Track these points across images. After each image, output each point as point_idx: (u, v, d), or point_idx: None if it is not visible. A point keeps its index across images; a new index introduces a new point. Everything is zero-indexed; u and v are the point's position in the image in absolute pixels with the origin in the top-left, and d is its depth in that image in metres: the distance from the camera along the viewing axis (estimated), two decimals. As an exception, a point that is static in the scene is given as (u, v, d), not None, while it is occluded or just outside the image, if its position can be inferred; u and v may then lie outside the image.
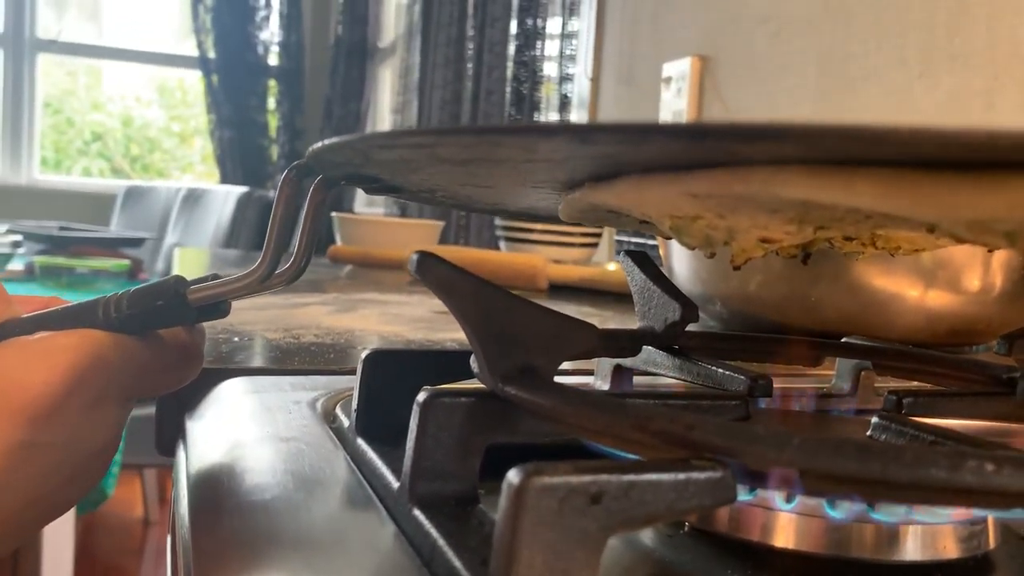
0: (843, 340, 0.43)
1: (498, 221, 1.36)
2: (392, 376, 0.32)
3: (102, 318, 0.31)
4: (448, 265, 0.25)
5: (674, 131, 0.22)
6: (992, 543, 0.27)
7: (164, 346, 0.33)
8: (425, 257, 0.25)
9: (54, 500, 0.31)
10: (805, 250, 0.28)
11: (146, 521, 2.32)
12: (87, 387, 0.29)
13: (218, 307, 0.33)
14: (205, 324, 0.36)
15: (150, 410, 0.42)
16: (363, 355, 0.32)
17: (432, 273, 0.25)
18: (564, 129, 0.22)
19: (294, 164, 0.31)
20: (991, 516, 0.26)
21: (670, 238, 0.30)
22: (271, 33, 3.41)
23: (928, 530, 0.25)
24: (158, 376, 0.33)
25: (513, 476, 0.18)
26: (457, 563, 0.21)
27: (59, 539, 1.65)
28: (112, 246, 2.24)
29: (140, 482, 2.33)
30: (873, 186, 0.21)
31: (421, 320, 0.68)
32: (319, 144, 0.26)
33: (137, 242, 2.37)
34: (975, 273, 0.62)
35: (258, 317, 0.63)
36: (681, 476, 0.19)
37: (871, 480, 0.19)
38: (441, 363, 0.33)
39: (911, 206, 0.21)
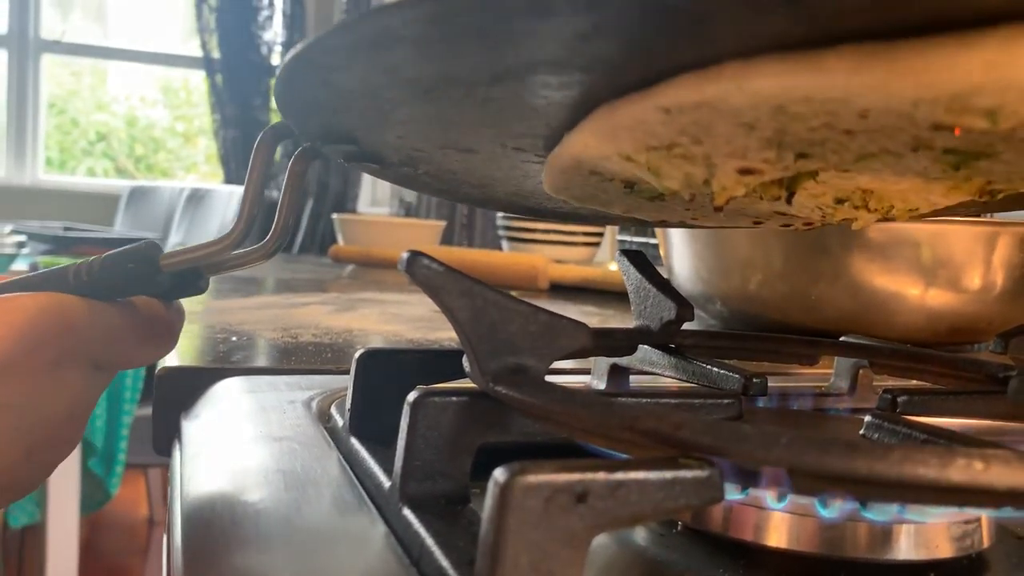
0: (841, 339, 0.43)
1: (500, 221, 1.36)
2: (386, 376, 0.32)
3: (72, 282, 0.31)
4: (438, 264, 0.25)
5: None
6: (986, 542, 0.26)
7: (136, 315, 0.32)
8: (415, 256, 0.25)
9: (13, 475, 0.29)
10: (789, 189, 0.26)
11: (150, 520, 2.33)
12: (46, 348, 0.28)
13: (195, 283, 0.32)
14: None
15: (151, 410, 0.42)
16: (356, 355, 0.32)
17: (422, 272, 0.25)
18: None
19: (269, 126, 0.31)
20: (984, 515, 0.26)
21: (656, 198, 0.29)
22: (275, 33, 3.42)
23: (921, 529, 0.25)
24: (129, 346, 0.32)
25: (499, 475, 0.18)
26: (445, 563, 0.21)
27: (64, 538, 1.66)
28: (116, 246, 2.23)
29: (144, 481, 2.33)
30: (845, 61, 0.20)
31: (420, 319, 0.68)
32: (280, 71, 0.25)
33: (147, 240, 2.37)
34: (976, 271, 0.62)
35: (257, 317, 0.63)
36: (668, 475, 0.19)
37: (859, 479, 0.19)
38: (435, 362, 0.33)
39: (885, 80, 0.20)
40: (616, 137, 0.24)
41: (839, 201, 0.26)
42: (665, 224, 0.36)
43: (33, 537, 1.79)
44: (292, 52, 0.23)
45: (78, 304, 0.29)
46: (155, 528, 2.30)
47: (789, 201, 0.26)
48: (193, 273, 0.32)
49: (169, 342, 0.33)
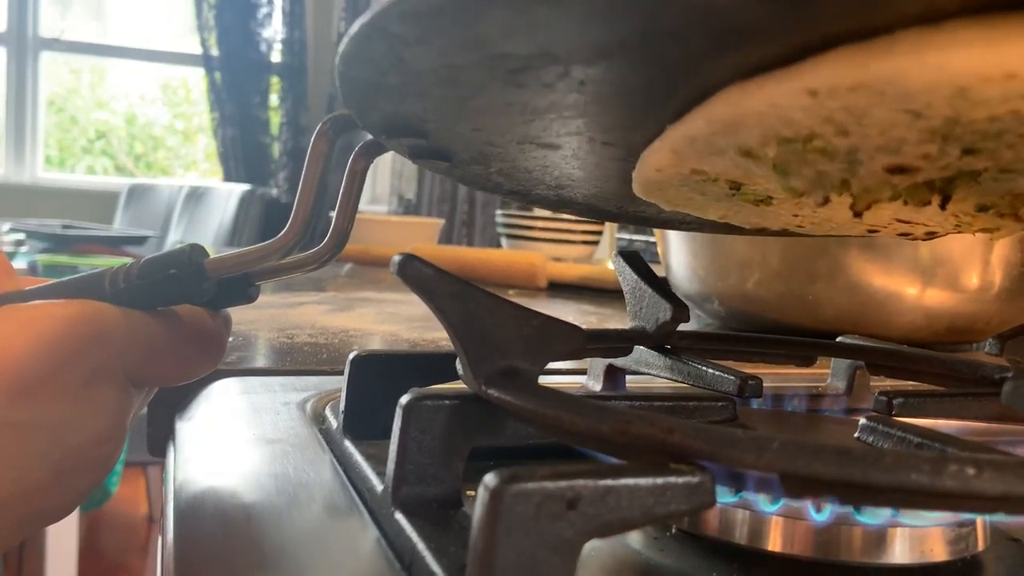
0: (837, 339, 0.43)
1: (500, 218, 1.36)
2: (379, 378, 0.32)
3: (108, 290, 0.28)
4: (430, 267, 0.25)
5: None
6: (981, 545, 0.26)
7: (179, 326, 0.29)
8: (407, 259, 0.25)
9: (40, 500, 0.26)
10: (944, 192, 0.21)
11: (150, 518, 2.33)
12: (80, 363, 0.25)
13: (244, 291, 0.29)
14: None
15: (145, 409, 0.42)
16: (350, 358, 0.32)
17: (414, 275, 0.25)
18: None
19: (329, 116, 0.28)
20: (979, 518, 0.26)
21: (762, 201, 0.25)
22: (274, 30, 3.41)
23: (916, 533, 0.25)
24: (170, 360, 0.29)
25: (489, 481, 0.18)
26: (436, 568, 0.21)
27: (63, 536, 1.66)
28: (115, 244, 2.24)
29: (144, 480, 2.33)
30: None
31: (417, 319, 0.68)
32: (344, 45, 0.22)
33: (140, 240, 2.38)
34: (974, 270, 0.62)
35: (254, 316, 0.63)
36: (659, 481, 0.19)
37: (851, 484, 0.19)
38: (429, 365, 0.33)
39: None
40: (740, 126, 0.21)
41: (981, 208, 0.22)
42: (765, 233, 0.32)
43: (33, 535, 1.79)
44: (360, 20, 0.20)
45: (113, 314, 0.27)
46: (155, 526, 2.30)
47: (943, 207, 0.22)
48: (241, 279, 0.29)
49: (215, 356, 0.31)
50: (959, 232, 0.26)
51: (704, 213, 0.28)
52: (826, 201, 0.23)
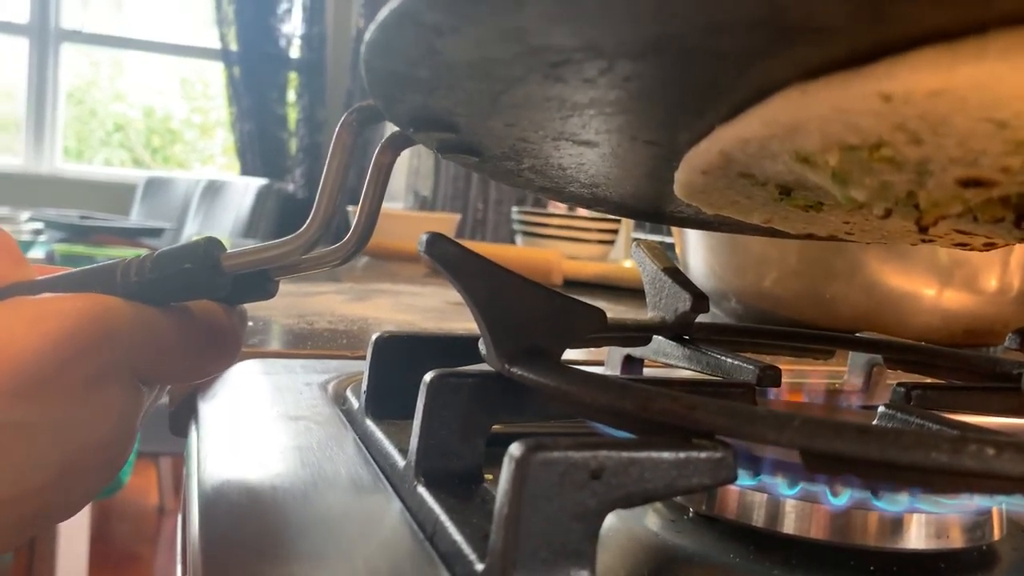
0: (855, 335, 0.43)
1: (515, 215, 1.36)
2: (402, 359, 0.32)
3: (119, 282, 0.27)
4: (456, 246, 0.25)
5: None
6: (997, 534, 0.27)
7: (192, 323, 0.27)
8: (435, 237, 0.25)
9: (44, 500, 0.25)
10: (1019, 209, 0.20)
11: (161, 509, 2.34)
12: (87, 362, 0.24)
13: (263, 286, 0.28)
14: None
15: (165, 398, 0.42)
16: (374, 338, 0.32)
17: (441, 253, 0.25)
18: None
19: (355, 107, 0.26)
20: (995, 507, 0.26)
21: (812, 207, 0.23)
22: (293, 26, 3.43)
23: (933, 519, 0.25)
24: (182, 359, 0.28)
25: (515, 450, 0.18)
26: (458, 537, 0.21)
27: (74, 527, 1.67)
28: (132, 236, 2.25)
29: (155, 470, 2.35)
30: None
31: (433, 310, 0.68)
32: (371, 32, 0.20)
33: (157, 232, 2.39)
34: (993, 273, 0.62)
35: (273, 303, 0.63)
36: (681, 455, 0.19)
37: (871, 462, 0.19)
38: (450, 347, 0.33)
39: None
40: (800, 130, 0.19)
41: None
42: (812, 238, 0.30)
43: (11, 545, 1.79)
44: (389, 6, 0.19)
45: (124, 309, 0.25)
46: (165, 517, 2.31)
47: (1018, 224, 0.20)
48: (259, 274, 0.28)
49: (231, 354, 0.29)
50: (1021, 243, 0.24)
51: (747, 217, 0.27)
52: (888, 214, 0.21)
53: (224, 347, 0.29)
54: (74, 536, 1.67)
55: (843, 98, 0.18)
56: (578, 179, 0.31)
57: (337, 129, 0.27)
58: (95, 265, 0.28)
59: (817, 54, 0.18)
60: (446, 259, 0.25)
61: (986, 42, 0.15)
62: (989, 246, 0.25)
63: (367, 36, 0.21)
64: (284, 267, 0.28)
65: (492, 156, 0.29)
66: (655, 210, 0.35)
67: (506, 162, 0.29)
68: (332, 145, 0.27)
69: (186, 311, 0.28)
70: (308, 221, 0.27)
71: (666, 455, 0.19)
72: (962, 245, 0.26)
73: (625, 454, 0.19)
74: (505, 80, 0.21)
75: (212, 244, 0.27)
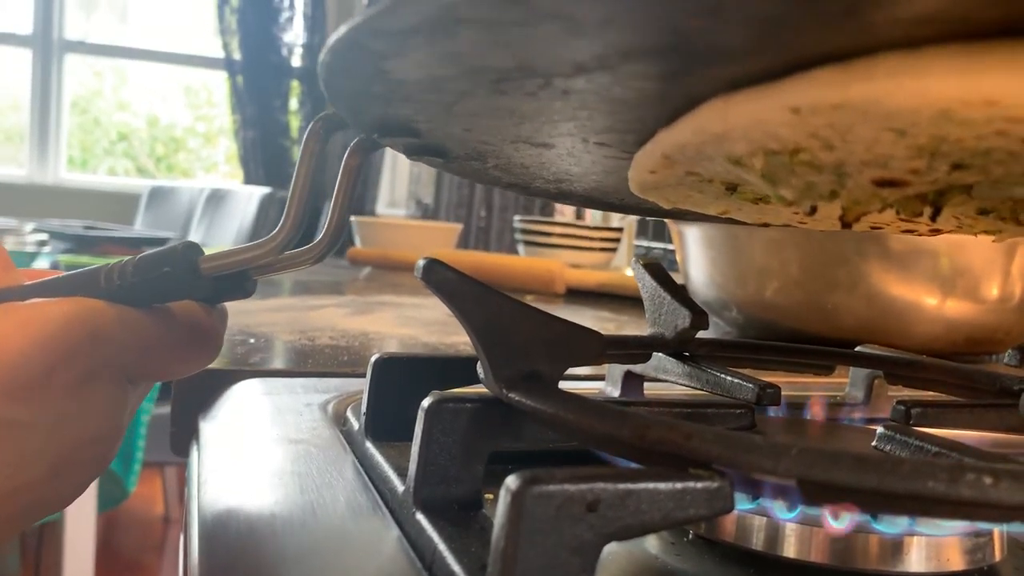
0: (856, 349, 0.43)
1: (517, 224, 1.36)
2: (401, 381, 0.32)
3: (103, 286, 0.28)
4: (454, 271, 0.25)
5: None
6: (998, 555, 0.26)
7: (174, 323, 0.29)
8: (432, 263, 0.25)
9: (35, 495, 0.27)
10: (936, 204, 0.21)
11: (166, 518, 2.35)
12: (75, 362, 0.26)
13: (241, 285, 0.29)
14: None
15: (168, 409, 0.42)
16: (372, 360, 0.32)
17: (438, 279, 0.25)
18: None
19: (321, 115, 0.28)
20: (996, 528, 0.26)
21: (760, 200, 0.25)
22: (295, 35, 3.44)
23: (933, 542, 0.25)
24: (166, 357, 0.29)
25: (511, 483, 0.18)
26: (456, 568, 0.21)
27: (81, 535, 1.67)
28: (136, 245, 2.26)
29: (160, 480, 2.35)
30: None
31: (436, 323, 0.68)
32: (323, 55, 0.22)
33: (161, 242, 2.40)
34: (994, 281, 0.62)
35: (275, 319, 0.63)
36: (678, 485, 0.19)
37: (869, 491, 0.19)
38: (450, 368, 0.33)
39: None
40: (727, 138, 0.21)
41: (982, 212, 0.22)
42: (768, 225, 0.31)
43: (51, 534, 1.80)
44: (337, 34, 0.20)
45: (108, 312, 0.27)
46: (171, 526, 2.31)
47: (934, 219, 0.22)
48: (238, 274, 0.30)
49: (212, 350, 0.31)
50: (961, 232, 0.25)
51: (704, 209, 0.29)
52: (814, 211, 0.23)
53: (205, 344, 0.30)
54: (80, 545, 1.67)
55: (759, 110, 0.19)
56: (542, 175, 0.32)
57: (304, 137, 0.28)
58: (80, 270, 0.29)
59: (733, 72, 0.19)
60: (443, 285, 0.25)
61: (875, 63, 0.17)
62: (935, 232, 0.26)
63: (321, 57, 0.22)
64: (261, 267, 0.29)
65: (457, 157, 0.30)
66: (620, 201, 0.36)
67: (471, 162, 0.31)
68: (300, 153, 0.28)
69: (168, 312, 0.29)
70: (280, 225, 0.28)
71: (663, 486, 0.19)
72: (910, 231, 0.27)
73: (621, 486, 0.19)
74: (454, 93, 0.22)
75: (190, 248, 0.28)
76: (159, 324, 0.28)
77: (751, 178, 0.22)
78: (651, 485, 0.19)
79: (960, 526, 0.25)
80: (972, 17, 0.16)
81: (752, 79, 0.19)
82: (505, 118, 0.24)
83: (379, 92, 0.24)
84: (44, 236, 2.17)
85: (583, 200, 0.36)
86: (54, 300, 0.26)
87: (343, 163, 0.28)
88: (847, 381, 0.43)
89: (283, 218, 0.28)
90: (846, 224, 0.22)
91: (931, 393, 0.37)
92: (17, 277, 0.29)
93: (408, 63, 0.21)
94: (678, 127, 0.22)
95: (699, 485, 0.19)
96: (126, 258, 0.28)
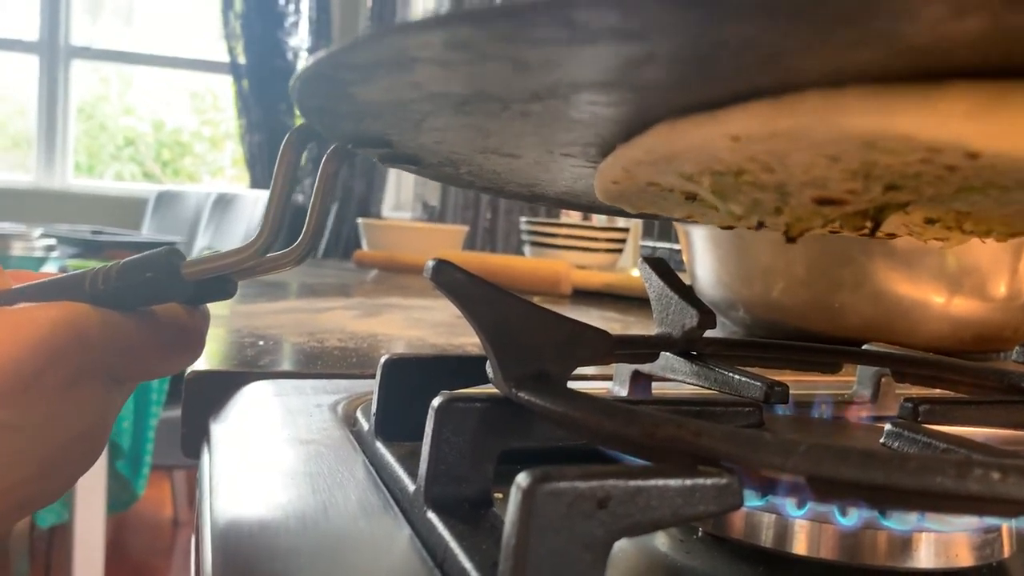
0: (863, 347, 0.43)
1: (523, 226, 1.36)
2: (411, 381, 0.33)
3: (88, 290, 0.29)
4: (463, 272, 0.25)
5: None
6: (1007, 551, 0.27)
7: (158, 325, 0.30)
8: (441, 264, 0.25)
9: (27, 491, 0.28)
10: (875, 220, 0.22)
11: (175, 521, 2.35)
12: (62, 365, 0.26)
13: (223, 287, 0.30)
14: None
15: (179, 412, 0.42)
16: (382, 361, 0.33)
17: (447, 280, 0.25)
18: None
19: (296, 127, 0.29)
20: (1005, 524, 0.26)
21: (713, 214, 0.26)
22: (300, 39, 3.44)
23: (942, 538, 0.25)
24: (149, 358, 0.30)
25: (522, 480, 0.19)
26: (468, 565, 0.21)
27: (90, 538, 1.68)
28: (145, 250, 2.26)
29: (170, 483, 2.36)
30: (961, 104, 0.17)
31: (443, 325, 0.68)
32: (293, 81, 0.23)
33: (168, 246, 2.40)
34: (1001, 279, 0.62)
35: (283, 321, 0.64)
36: (688, 482, 0.19)
37: (877, 487, 0.19)
38: (459, 368, 0.33)
39: (1013, 130, 0.16)
40: (675, 159, 0.22)
41: (930, 221, 0.23)
42: (731, 228, 0.33)
43: (61, 536, 1.81)
44: (305, 66, 0.22)
45: (93, 316, 0.28)
46: (180, 529, 2.32)
47: (873, 234, 0.23)
48: (220, 277, 0.30)
49: (195, 350, 0.32)
50: (912, 236, 0.26)
51: (670, 214, 0.29)
52: (760, 226, 0.24)
53: (187, 346, 0.31)
54: (90, 548, 1.68)
55: (702, 136, 0.20)
56: (513, 180, 0.33)
57: (282, 147, 0.29)
58: (66, 274, 0.30)
59: (673, 102, 0.21)
60: (452, 286, 0.25)
61: (803, 99, 0.18)
62: (890, 235, 0.27)
63: (292, 82, 0.24)
64: (243, 271, 0.30)
65: (430, 164, 0.31)
66: (591, 203, 0.37)
67: (445, 168, 0.32)
68: (277, 162, 0.29)
69: (151, 315, 0.30)
70: (259, 230, 0.29)
71: (672, 483, 0.19)
72: (866, 234, 0.27)
73: (631, 483, 0.19)
74: (420, 112, 0.24)
75: (172, 254, 0.29)
76: (142, 327, 0.29)
77: (703, 193, 0.23)
78: (661, 482, 0.19)
79: (969, 522, 0.25)
80: (889, 65, 0.17)
81: (696, 108, 0.21)
82: (472, 133, 0.26)
83: (348, 111, 0.25)
84: (52, 241, 2.18)
85: (556, 202, 0.38)
86: (42, 305, 0.27)
87: (320, 170, 0.29)
88: (855, 379, 0.43)
89: (261, 224, 0.29)
90: (790, 239, 0.23)
91: (939, 390, 0.37)
92: (5, 281, 0.30)
93: (373, 89, 0.22)
94: (633, 145, 0.23)
95: (708, 482, 0.20)
96: (111, 263, 0.29)
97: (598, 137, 0.25)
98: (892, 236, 0.27)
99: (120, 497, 1.78)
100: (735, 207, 0.23)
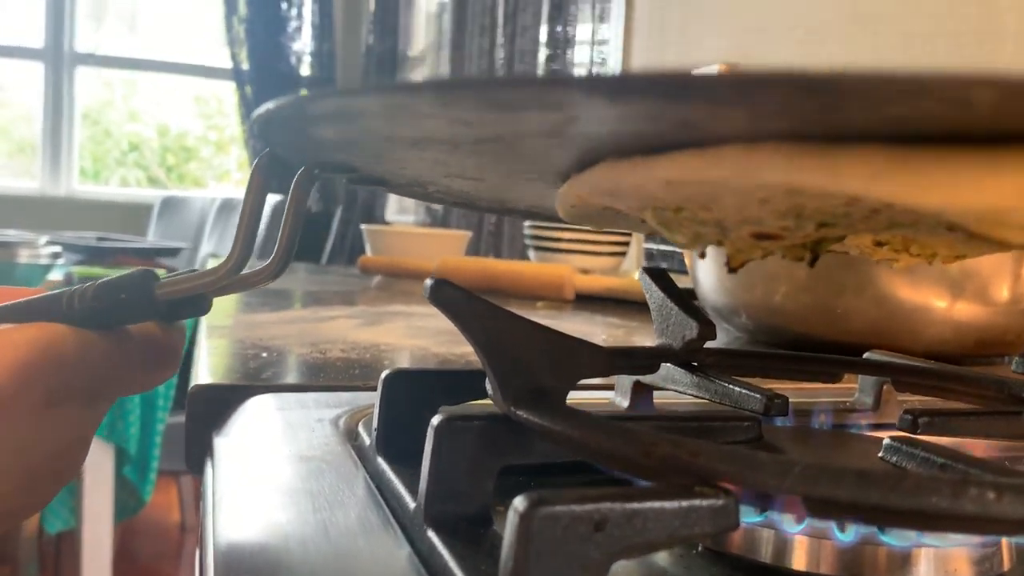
0: (864, 356, 0.43)
1: (527, 230, 1.36)
2: (411, 396, 0.33)
3: (65, 311, 0.30)
4: (460, 291, 0.26)
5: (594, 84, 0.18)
6: (1007, 565, 0.27)
7: (133, 343, 0.31)
8: (438, 284, 0.26)
9: (7, 505, 0.29)
10: (813, 252, 0.24)
11: (182, 526, 2.36)
12: (40, 386, 0.27)
13: (197, 304, 0.31)
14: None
15: (183, 418, 0.43)
16: (383, 376, 0.33)
17: (445, 299, 0.25)
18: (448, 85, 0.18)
19: (263, 153, 0.30)
20: (1004, 538, 0.26)
21: (659, 236, 0.27)
22: (303, 44, 3.45)
23: (941, 553, 0.25)
24: (126, 375, 0.31)
25: (518, 504, 0.19)
26: (467, 586, 0.21)
27: (98, 544, 1.69)
28: (149, 256, 2.28)
29: (176, 488, 2.36)
30: (862, 166, 0.18)
31: (446, 333, 0.68)
32: (254, 118, 0.24)
33: (174, 252, 2.41)
34: (1004, 283, 0.62)
35: (286, 331, 0.64)
36: (684, 503, 0.20)
37: (872, 507, 0.19)
38: (460, 382, 0.33)
39: (907, 190, 0.18)
40: (619, 194, 0.23)
41: (879, 244, 0.24)
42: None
43: (68, 543, 1.82)
44: (261, 109, 0.23)
45: (69, 336, 0.28)
46: (187, 534, 2.33)
47: (812, 264, 0.24)
48: (194, 295, 0.31)
49: (170, 366, 0.33)
50: (863, 256, 0.27)
51: (636, 230, 0.31)
52: (703, 256, 0.25)
53: (162, 362, 0.32)
54: (98, 553, 1.68)
55: (639, 178, 0.22)
56: (483, 198, 0.34)
57: (250, 174, 0.30)
58: (43, 295, 0.31)
59: (612, 148, 0.22)
60: (449, 304, 0.25)
61: (723, 153, 0.20)
62: (845, 252, 0.28)
63: (252, 116, 0.24)
64: (216, 290, 0.31)
65: (399, 185, 0.33)
66: (554, 214, 0.37)
67: (414, 188, 0.33)
68: (246, 188, 0.30)
69: (126, 333, 0.31)
70: (230, 251, 0.30)
71: (668, 505, 0.19)
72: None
73: (628, 505, 0.19)
74: (376, 149, 0.25)
75: (146, 276, 0.30)
76: (118, 345, 0.30)
77: (651, 222, 0.25)
78: (657, 504, 0.19)
79: (968, 537, 0.25)
80: (797, 131, 0.19)
81: (634, 151, 0.22)
82: (431, 164, 0.27)
83: (310, 146, 0.26)
84: (57, 248, 2.19)
85: (527, 215, 0.39)
86: (19, 327, 0.28)
87: (290, 191, 0.30)
88: (856, 386, 0.43)
89: (232, 245, 0.30)
90: (732, 269, 0.24)
91: (939, 400, 0.37)
92: None
93: (329, 131, 0.23)
94: (582, 179, 0.24)
95: (704, 503, 0.20)
96: (87, 283, 0.30)
97: (553, 167, 0.26)
98: (845, 253, 0.28)
99: (127, 503, 1.79)
100: (679, 237, 0.24)
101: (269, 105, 0.22)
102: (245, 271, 0.30)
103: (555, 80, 0.18)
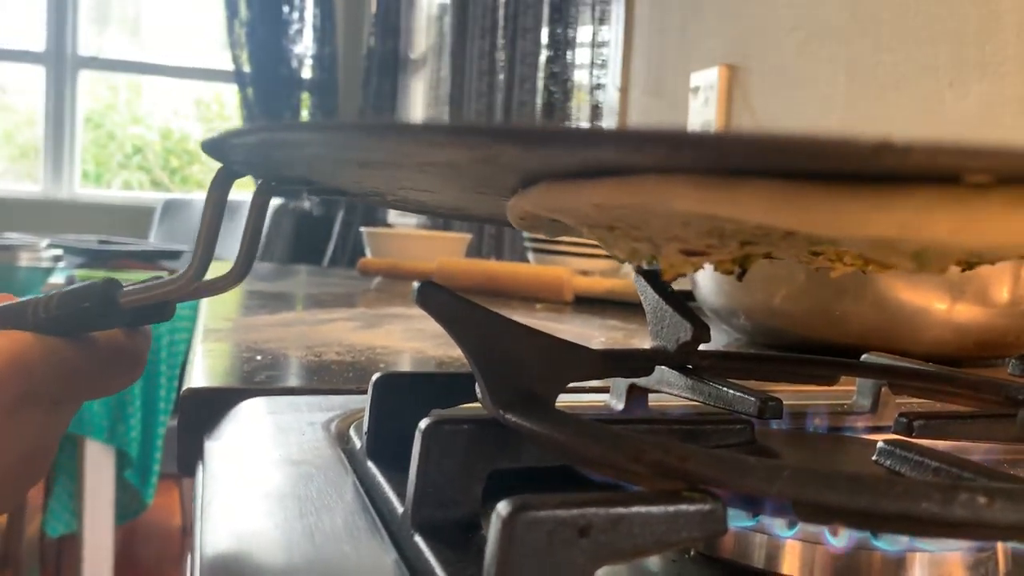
0: (862, 358, 0.43)
1: (526, 232, 1.36)
2: (402, 399, 0.32)
3: (31, 319, 0.30)
4: (448, 294, 0.25)
5: (517, 135, 0.19)
6: (1002, 570, 0.26)
7: (97, 349, 0.31)
8: (426, 287, 0.25)
9: None
10: (741, 266, 0.25)
11: (184, 529, 2.35)
12: (5, 392, 0.28)
13: (160, 310, 0.32)
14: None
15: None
16: (373, 379, 0.33)
17: (433, 303, 0.25)
18: (396, 128, 0.20)
19: (222, 167, 0.30)
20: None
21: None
22: (304, 46, 3.45)
23: (935, 558, 0.25)
24: (91, 380, 0.32)
25: (502, 509, 0.18)
26: (452, 593, 0.21)
27: (99, 547, 1.68)
28: (151, 259, 2.28)
29: (178, 491, 2.36)
30: (759, 199, 0.20)
31: (442, 335, 0.68)
32: (203, 142, 0.25)
33: (175, 255, 2.41)
34: (1004, 285, 0.61)
35: (283, 334, 0.64)
36: (671, 509, 0.19)
37: (862, 512, 0.19)
38: (451, 386, 0.33)
39: (800, 222, 0.20)
40: (558, 211, 0.24)
41: (814, 254, 0.25)
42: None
43: (70, 546, 1.82)
44: (208, 138, 0.24)
45: (33, 344, 0.29)
46: (189, 537, 2.32)
47: (740, 279, 0.26)
48: (158, 302, 0.32)
49: (134, 371, 0.33)
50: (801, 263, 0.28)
51: (586, 238, 0.31)
52: (640, 270, 0.26)
53: (126, 367, 0.33)
54: (99, 557, 1.68)
55: (572, 200, 0.23)
56: (441, 206, 0.35)
57: (210, 185, 0.30)
58: (9, 303, 0.32)
59: (545, 173, 0.23)
60: (438, 309, 0.25)
61: (643, 181, 0.21)
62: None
63: (200, 145, 0.25)
64: (179, 297, 0.31)
65: (358, 194, 0.33)
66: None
67: (372, 197, 0.34)
68: (205, 200, 0.31)
69: (91, 340, 0.31)
70: (191, 261, 0.31)
71: (655, 510, 0.19)
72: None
73: (613, 511, 0.19)
74: (328, 168, 0.26)
75: (109, 285, 0.31)
76: (82, 352, 0.31)
77: (589, 237, 0.26)
78: (643, 509, 0.19)
79: (961, 542, 0.25)
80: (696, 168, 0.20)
81: (565, 174, 0.23)
82: (383, 179, 0.27)
83: (266, 164, 0.27)
84: (59, 251, 2.19)
85: (485, 220, 0.39)
86: None
87: (250, 203, 0.31)
88: (854, 388, 0.42)
89: (192, 254, 0.30)
90: (668, 280, 0.26)
91: (937, 403, 0.37)
92: None
93: (289, 152, 0.24)
94: (525, 196, 0.25)
95: (692, 508, 0.19)
96: (52, 292, 0.31)
97: (497, 185, 0.26)
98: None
99: (129, 506, 1.79)
100: (618, 252, 0.25)
101: (213, 135, 0.23)
102: (208, 277, 0.30)
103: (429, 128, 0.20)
